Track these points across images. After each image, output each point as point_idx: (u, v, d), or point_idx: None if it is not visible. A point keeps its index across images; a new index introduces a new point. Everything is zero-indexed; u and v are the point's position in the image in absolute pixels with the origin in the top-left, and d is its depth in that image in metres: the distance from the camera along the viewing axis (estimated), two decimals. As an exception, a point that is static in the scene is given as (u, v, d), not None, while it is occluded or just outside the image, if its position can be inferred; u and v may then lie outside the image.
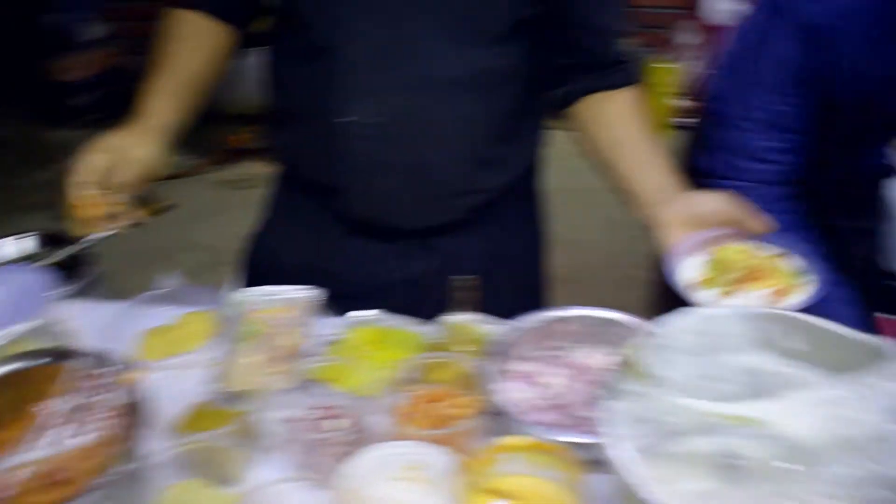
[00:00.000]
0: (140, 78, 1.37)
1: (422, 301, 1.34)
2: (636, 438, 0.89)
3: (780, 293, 1.14)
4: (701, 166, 1.35)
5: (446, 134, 1.33)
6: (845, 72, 1.19)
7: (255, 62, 1.48)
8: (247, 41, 1.45)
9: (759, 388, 1.00)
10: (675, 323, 1.00)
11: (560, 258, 1.63)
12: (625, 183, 1.30)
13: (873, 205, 1.64)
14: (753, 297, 1.15)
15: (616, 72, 1.37)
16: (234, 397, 1.18)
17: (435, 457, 1.04)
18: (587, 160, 1.38)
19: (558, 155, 1.61)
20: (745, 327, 1.02)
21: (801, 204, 1.31)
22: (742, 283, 1.19)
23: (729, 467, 0.91)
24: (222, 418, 1.13)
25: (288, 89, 1.40)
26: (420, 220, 1.41)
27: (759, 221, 1.11)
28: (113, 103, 4.54)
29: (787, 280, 1.15)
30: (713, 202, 1.15)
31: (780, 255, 1.17)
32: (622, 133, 1.32)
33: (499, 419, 1.12)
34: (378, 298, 1.37)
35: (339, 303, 1.36)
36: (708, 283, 1.15)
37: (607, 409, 0.89)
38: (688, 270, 1.14)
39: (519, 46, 1.34)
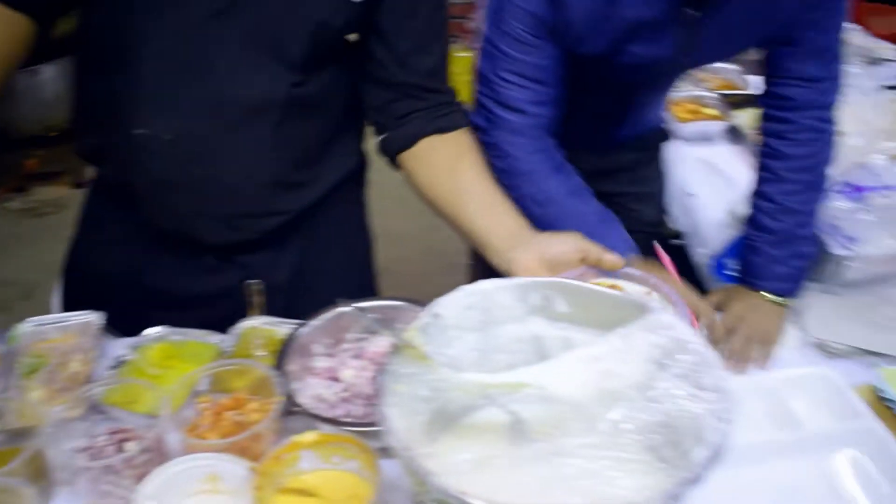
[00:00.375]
0: None
1: (233, 312, 1.32)
2: (415, 418, 0.93)
3: None
4: (472, 122, 1.39)
5: (240, 157, 1.28)
6: (577, 31, 1.28)
7: (47, 79, 1.39)
8: (39, 55, 1.33)
9: (534, 354, 1.07)
10: (450, 301, 1.04)
11: (382, 251, 1.63)
12: (474, 232, 1.29)
13: (655, 170, 1.77)
14: None
15: (446, 114, 1.35)
16: (21, 433, 1.12)
17: (231, 466, 1.03)
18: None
19: (370, 149, 1.60)
20: (516, 298, 1.07)
21: (559, 153, 1.37)
22: None
23: (509, 433, 0.96)
24: (8, 456, 1.08)
25: (91, 97, 1.32)
26: (219, 237, 1.36)
27: (611, 258, 1.16)
28: None
29: None
30: (564, 244, 1.19)
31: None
32: (463, 181, 1.31)
33: (298, 418, 1.13)
34: (191, 310, 1.35)
35: (155, 315, 1.32)
36: None
37: (385, 394, 0.91)
38: None
39: (331, 76, 1.30)
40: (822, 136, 1.40)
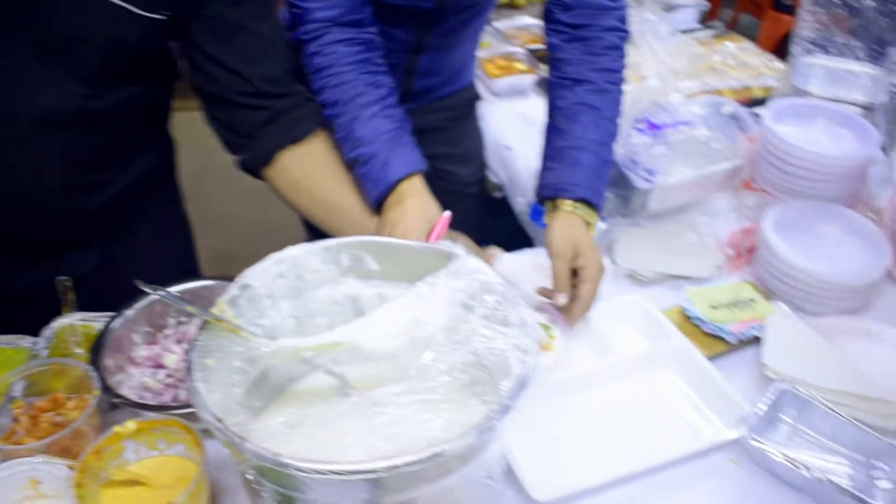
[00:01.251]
0: None
1: (47, 313, 1.26)
2: (231, 390, 0.92)
3: None
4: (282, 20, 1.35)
5: (30, 167, 1.21)
6: None
7: None
8: None
9: (352, 314, 1.08)
10: (259, 271, 1.03)
11: (216, 237, 1.59)
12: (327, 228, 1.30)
13: (469, 130, 1.81)
14: None
15: (296, 121, 1.29)
16: None
17: (50, 468, 1.00)
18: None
19: (195, 136, 1.53)
20: (326, 261, 1.07)
21: (365, 52, 1.33)
22: None
23: (331, 394, 0.98)
24: None
25: None
26: (19, 242, 1.29)
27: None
28: None
29: None
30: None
31: None
32: (329, 196, 1.30)
33: (125, 411, 1.10)
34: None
35: None
36: None
37: (194, 369, 0.89)
38: None
39: (132, 90, 1.24)
40: (623, 55, 1.41)
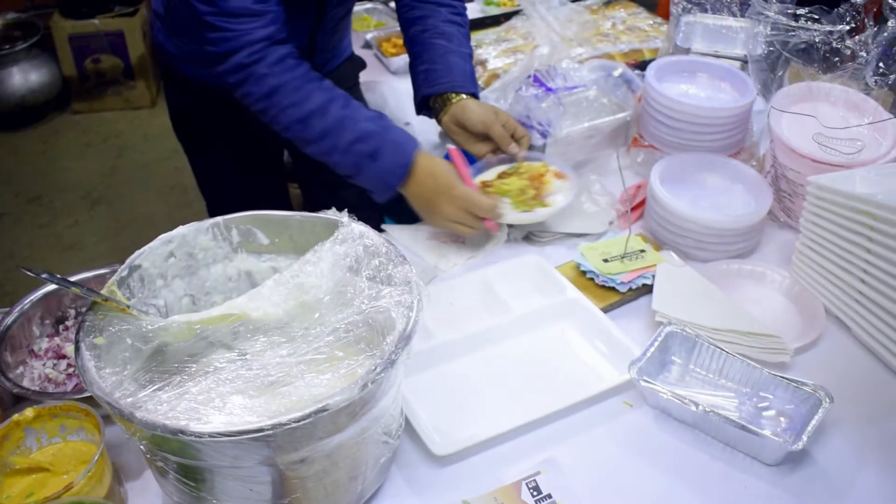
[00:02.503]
0: None
1: None
2: (124, 367, 0.94)
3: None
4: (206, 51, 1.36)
5: None
6: None
7: None
8: None
9: (248, 289, 1.10)
10: (149, 252, 1.04)
11: (128, 237, 1.59)
12: None
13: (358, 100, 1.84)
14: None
15: None
16: None
17: (-48, 462, 1.00)
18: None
19: (104, 137, 1.51)
20: (217, 238, 1.09)
21: (303, 61, 1.37)
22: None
23: (223, 364, 1.00)
24: None
25: None
26: None
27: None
28: None
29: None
30: None
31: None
32: None
33: (26, 403, 1.10)
34: None
35: None
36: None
37: (83, 349, 0.91)
38: None
39: None
40: (462, 20, 1.61)
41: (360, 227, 1.05)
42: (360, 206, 1.26)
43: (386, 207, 1.48)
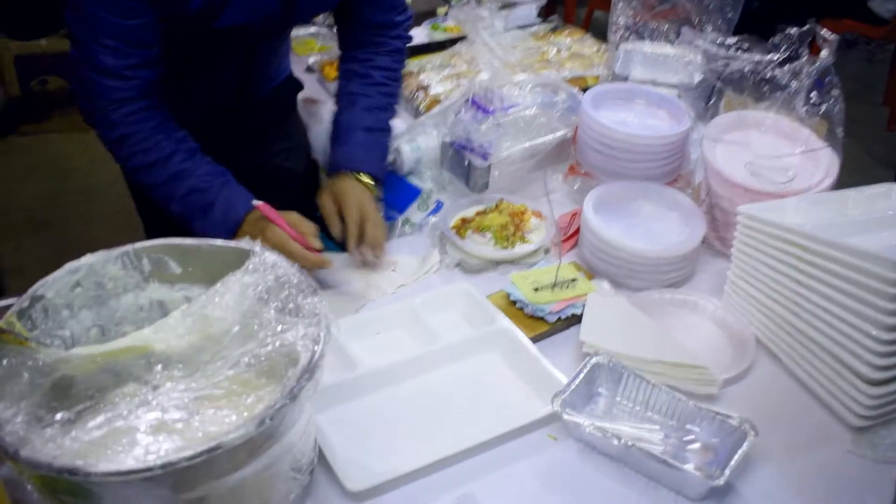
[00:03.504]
0: None
1: None
2: (21, 401, 0.90)
3: None
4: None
5: None
6: None
7: None
8: None
9: (157, 319, 1.06)
10: (54, 282, 1.00)
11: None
12: None
13: (296, 121, 1.83)
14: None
15: None
16: None
17: None
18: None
19: (49, 159, 1.48)
20: (127, 267, 1.05)
21: (162, 110, 1.37)
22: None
23: (124, 398, 0.96)
24: None
25: None
26: None
27: None
28: None
29: None
30: None
31: None
32: None
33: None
34: None
35: None
36: None
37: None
38: None
39: None
40: (402, 57, 1.62)
41: (272, 257, 1.02)
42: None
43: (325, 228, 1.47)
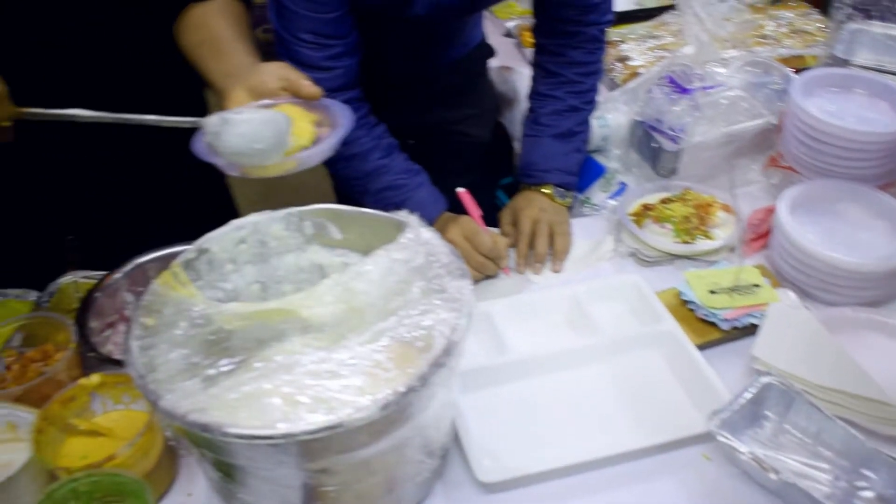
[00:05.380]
0: None
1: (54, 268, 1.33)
2: (173, 350, 0.94)
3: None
4: None
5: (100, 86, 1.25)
6: None
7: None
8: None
9: (316, 281, 1.07)
10: (219, 236, 1.04)
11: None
12: (209, 79, 1.25)
13: (483, 89, 1.79)
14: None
15: None
16: None
17: (27, 415, 1.05)
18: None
19: None
20: (290, 228, 1.08)
21: (365, 104, 1.39)
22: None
23: (267, 358, 0.98)
24: None
25: None
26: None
27: (308, 87, 1.10)
28: None
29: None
30: (267, 73, 1.13)
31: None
32: (205, 34, 1.28)
33: (107, 366, 1.14)
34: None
35: None
36: None
37: (133, 327, 0.92)
38: None
39: None
40: (601, 45, 1.48)
41: (426, 234, 1.00)
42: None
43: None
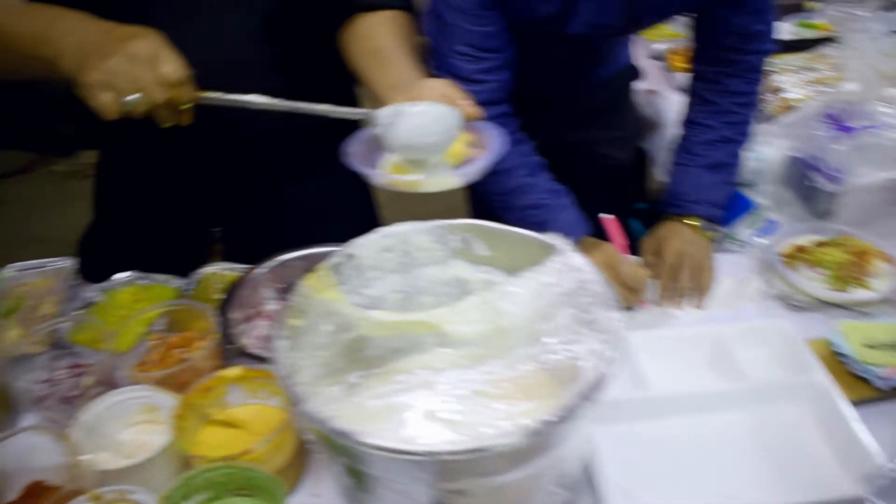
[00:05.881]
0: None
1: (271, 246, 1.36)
2: (316, 352, 0.95)
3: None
4: None
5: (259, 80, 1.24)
6: None
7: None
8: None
9: (459, 296, 1.07)
10: (366, 243, 1.05)
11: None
12: (371, 87, 1.26)
13: (627, 112, 1.75)
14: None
15: None
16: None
17: (167, 398, 1.08)
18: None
19: None
20: (435, 240, 1.07)
21: (514, 120, 1.38)
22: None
23: (407, 369, 0.98)
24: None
25: None
26: (256, 171, 1.41)
27: (469, 105, 1.10)
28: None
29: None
30: (431, 88, 1.13)
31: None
32: (372, 44, 1.28)
33: (244, 359, 1.17)
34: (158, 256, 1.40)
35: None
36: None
37: (281, 326, 0.93)
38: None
39: None
40: (759, 75, 1.42)
41: (577, 259, 0.98)
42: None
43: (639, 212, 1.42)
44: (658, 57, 1.98)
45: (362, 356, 1.01)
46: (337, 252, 1.03)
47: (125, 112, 1.01)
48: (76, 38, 1.04)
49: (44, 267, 1.39)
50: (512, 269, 1.03)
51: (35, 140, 4.16)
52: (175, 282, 1.35)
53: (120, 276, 1.35)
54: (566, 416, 0.80)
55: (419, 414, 0.87)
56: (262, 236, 1.38)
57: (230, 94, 1.06)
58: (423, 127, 1.00)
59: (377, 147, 1.07)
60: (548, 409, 0.83)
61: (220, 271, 1.34)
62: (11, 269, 1.39)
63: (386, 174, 1.02)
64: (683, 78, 1.79)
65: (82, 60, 1.00)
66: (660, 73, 1.92)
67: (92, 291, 1.35)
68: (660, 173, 1.70)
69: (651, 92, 1.81)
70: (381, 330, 1.00)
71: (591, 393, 0.83)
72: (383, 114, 1.01)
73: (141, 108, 1.01)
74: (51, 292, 1.34)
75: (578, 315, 0.92)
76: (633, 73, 1.70)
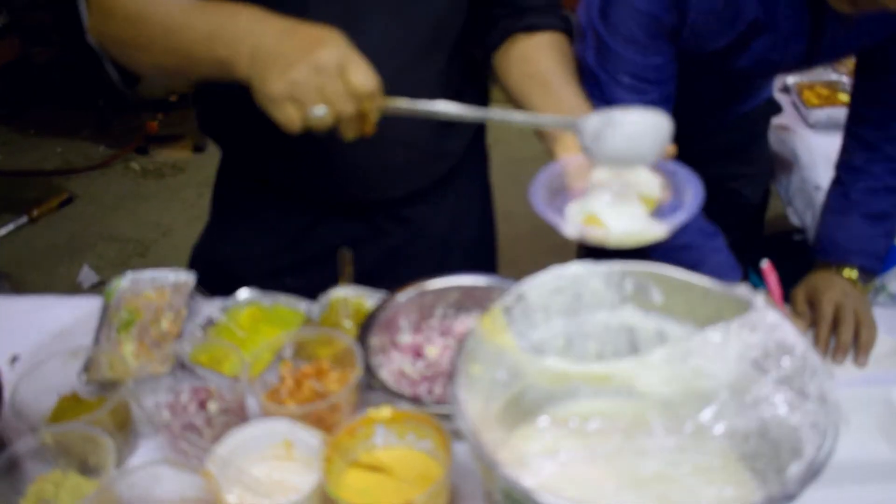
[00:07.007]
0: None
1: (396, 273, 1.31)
2: (490, 402, 0.89)
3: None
4: None
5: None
6: (699, 31, 1.21)
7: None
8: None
9: (625, 345, 1.00)
10: (538, 283, 0.99)
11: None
12: (531, 110, 1.20)
13: (761, 148, 1.68)
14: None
15: (536, 15, 1.28)
16: (110, 385, 1.15)
17: (306, 434, 1.02)
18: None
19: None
20: (609, 284, 1.00)
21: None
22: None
23: (587, 427, 0.91)
24: (91, 407, 1.10)
25: None
26: (389, 190, 1.34)
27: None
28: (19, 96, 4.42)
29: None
30: None
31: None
32: (534, 68, 1.24)
33: (378, 393, 1.10)
34: (285, 275, 1.36)
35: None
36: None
37: (459, 374, 0.87)
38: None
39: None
40: None
41: (774, 316, 0.90)
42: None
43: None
44: (787, 90, 1.90)
45: (520, 403, 0.95)
46: (509, 292, 0.97)
47: (310, 126, 0.95)
48: (254, 42, 0.96)
49: (160, 279, 1.33)
50: (689, 321, 0.97)
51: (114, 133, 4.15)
52: (300, 304, 1.29)
53: (242, 293, 1.30)
54: (790, 497, 0.73)
55: (622, 482, 0.80)
56: (389, 260, 1.33)
57: (419, 102, 0.99)
58: (638, 137, 0.93)
59: (562, 190, 1.00)
60: (764, 489, 0.77)
61: (349, 296, 1.27)
62: (127, 279, 1.33)
63: (581, 225, 0.95)
64: (821, 115, 1.73)
65: (263, 69, 0.93)
66: (790, 106, 1.84)
67: (211, 308, 1.29)
68: (792, 215, 1.63)
69: (782, 128, 1.74)
70: (555, 381, 0.93)
71: (816, 472, 0.76)
72: (590, 122, 0.94)
73: (328, 121, 0.94)
74: (169, 308, 1.28)
75: (786, 380, 0.85)
76: (774, 107, 1.63)
